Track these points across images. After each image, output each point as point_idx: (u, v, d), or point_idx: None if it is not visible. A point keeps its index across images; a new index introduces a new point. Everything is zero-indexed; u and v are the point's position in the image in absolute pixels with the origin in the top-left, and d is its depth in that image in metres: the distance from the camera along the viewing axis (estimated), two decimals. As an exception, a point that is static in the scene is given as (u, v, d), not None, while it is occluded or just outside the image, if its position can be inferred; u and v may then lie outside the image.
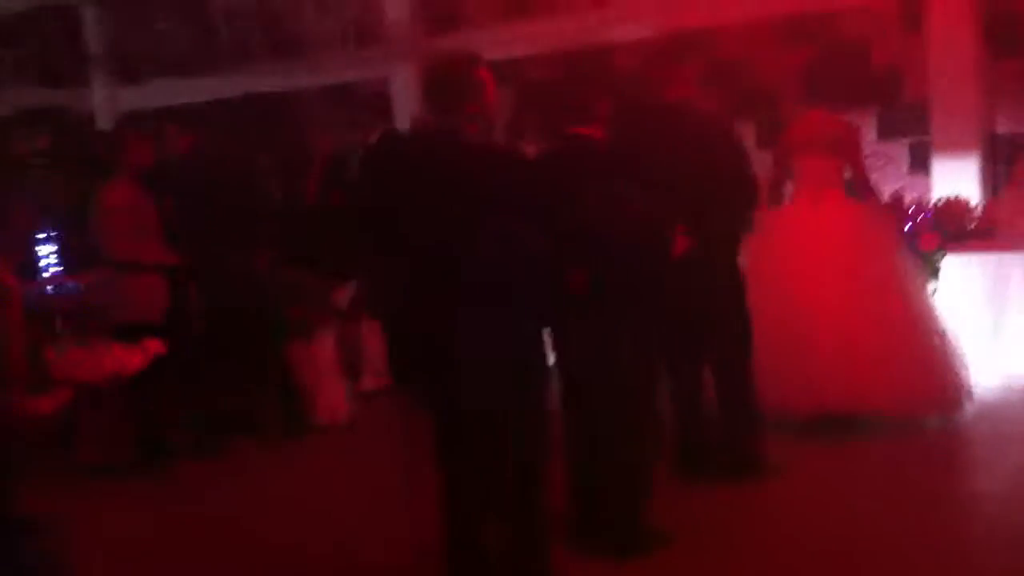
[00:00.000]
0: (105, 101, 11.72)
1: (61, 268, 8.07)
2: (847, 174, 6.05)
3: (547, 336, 4.21)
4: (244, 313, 6.49)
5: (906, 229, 6.58)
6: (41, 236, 8.11)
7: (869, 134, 8.03)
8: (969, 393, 6.01)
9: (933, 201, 6.97)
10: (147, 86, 11.27)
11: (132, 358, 5.78)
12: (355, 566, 4.69)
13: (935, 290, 6.46)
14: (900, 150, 8.01)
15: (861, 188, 6.06)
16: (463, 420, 3.83)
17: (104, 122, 11.66)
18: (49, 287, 7.74)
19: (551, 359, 4.29)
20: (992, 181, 7.56)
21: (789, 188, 6.07)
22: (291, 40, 10.74)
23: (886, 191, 7.50)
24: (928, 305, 6.11)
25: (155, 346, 5.86)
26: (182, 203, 6.38)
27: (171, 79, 11.04)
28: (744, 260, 5.21)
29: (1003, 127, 7.60)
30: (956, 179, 7.37)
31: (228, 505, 5.57)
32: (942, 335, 6.02)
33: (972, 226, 6.77)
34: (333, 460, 6.34)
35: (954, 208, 6.73)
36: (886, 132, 8.05)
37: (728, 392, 5.17)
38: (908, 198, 7.28)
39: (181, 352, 6.04)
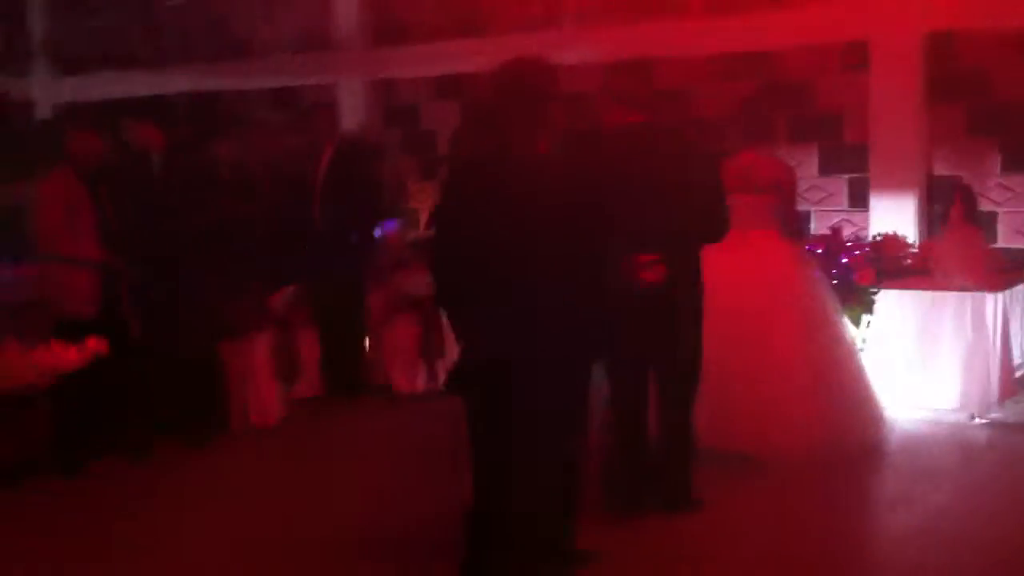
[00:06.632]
0: (45, 90, 11.51)
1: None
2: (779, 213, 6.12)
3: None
4: (180, 313, 6.36)
5: (843, 262, 6.67)
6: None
7: (810, 168, 8.19)
8: (886, 430, 6.08)
9: (870, 237, 7.08)
10: (87, 77, 11.08)
11: (69, 356, 5.59)
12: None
13: (868, 323, 6.55)
14: (840, 185, 8.15)
15: (791, 229, 6.19)
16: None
17: (43, 112, 11.45)
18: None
19: None
20: (928, 221, 7.72)
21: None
22: (237, 41, 10.65)
23: (825, 224, 7.62)
24: (847, 345, 6.17)
25: (95, 345, 5.64)
26: (143, 200, 6.27)
27: (112, 72, 10.86)
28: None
29: (940, 170, 7.76)
30: (893, 217, 7.52)
31: (152, 508, 5.48)
32: (858, 375, 6.09)
33: (907, 263, 6.87)
34: (261, 462, 6.29)
35: (891, 244, 6.84)
36: (827, 167, 8.19)
37: (672, 424, 5.12)
38: (846, 232, 7.39)
39: (117, 351, 5.85)
